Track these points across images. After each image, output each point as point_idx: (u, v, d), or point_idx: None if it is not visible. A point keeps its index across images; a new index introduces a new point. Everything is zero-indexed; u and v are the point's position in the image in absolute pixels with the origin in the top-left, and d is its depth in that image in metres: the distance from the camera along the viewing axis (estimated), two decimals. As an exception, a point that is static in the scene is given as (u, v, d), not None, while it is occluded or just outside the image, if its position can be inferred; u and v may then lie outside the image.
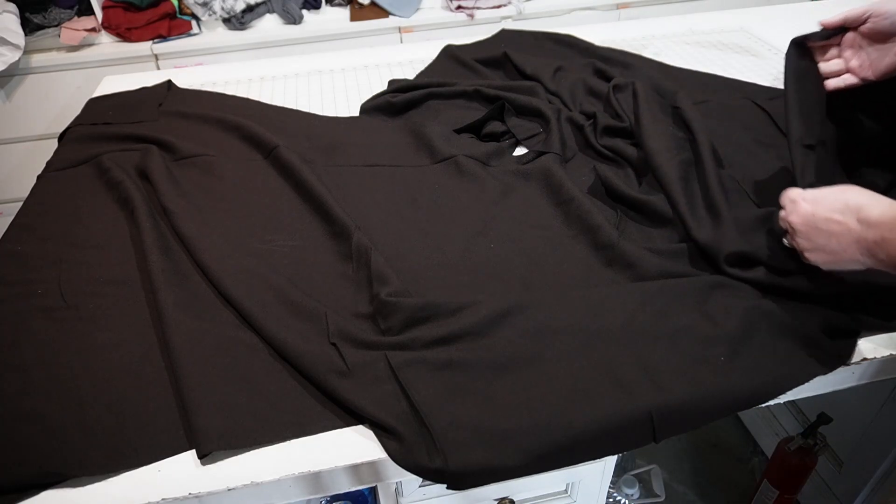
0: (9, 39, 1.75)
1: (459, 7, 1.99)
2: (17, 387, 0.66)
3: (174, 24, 1.92)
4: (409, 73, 1.33)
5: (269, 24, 1.98)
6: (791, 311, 0.68)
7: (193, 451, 0.60)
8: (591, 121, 1.04)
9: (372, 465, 0.61)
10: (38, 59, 1.86)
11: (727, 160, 0.93)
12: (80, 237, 0.88)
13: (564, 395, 0.61)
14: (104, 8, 1.88)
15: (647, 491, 1.38)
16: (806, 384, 0.64)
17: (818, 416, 1.11)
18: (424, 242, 0.84)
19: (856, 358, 0.66)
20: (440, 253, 0.82)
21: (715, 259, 0.74)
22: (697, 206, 0.82)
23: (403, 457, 0.58)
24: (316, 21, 1.99)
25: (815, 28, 0.80)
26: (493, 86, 1.17)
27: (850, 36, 0.77)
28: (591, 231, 0.82)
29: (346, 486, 0.63)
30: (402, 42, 2.01)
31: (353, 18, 1.97)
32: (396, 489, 0.74)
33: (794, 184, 0.73)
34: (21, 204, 0.96)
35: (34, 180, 1.02)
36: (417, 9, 2.01)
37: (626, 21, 1.67)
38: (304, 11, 1.99)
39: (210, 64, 1.83)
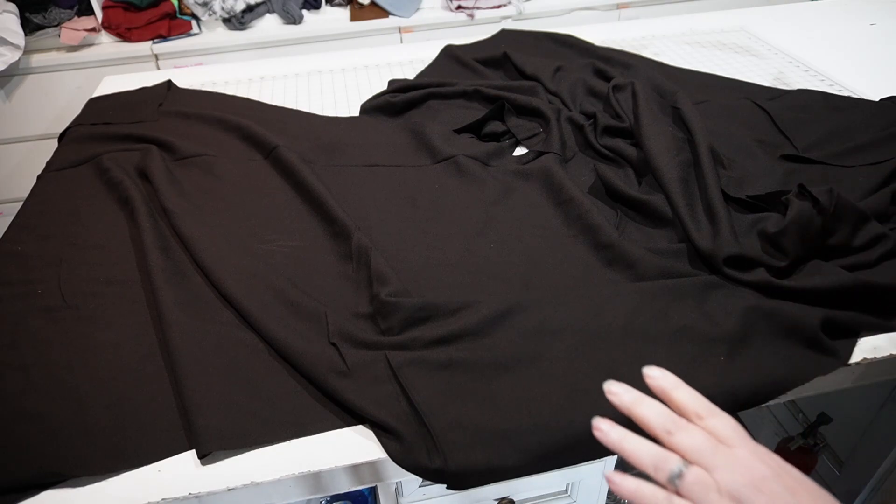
0: (9, 39, 1.75)
1: (459, 7, 1.99)
2: (16, 387, 0.66)
3: (174, 24, 1.92)
4: (410, 73, 1.33)
5: (269, 24, 1.98)
6: (791, 312, 0.67)
7: (193, 451, 0.60)
8: (591, 121, 1.04)
9: (372, 465, 0.61)
10: (38, 59, 1.86)
11: (727, 160, 0.93)
12: (80, 237, 0.88)
13: (564, 395, 0.61)
14: (104, 8, 1.88)
15: (647, 491, 1.38)
16: (806, 384, 0.64)
17: (818, 416, 1.11)
18: (424, 242, 0.84)
19: (856, 358, 0.66)
20: (440, 253, 0.82)
21: (714, 263, 0.74)
22: (696, 208, 0.82)
23: (403, 457, 0.58)
24: (316, 21, 1.99)
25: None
26: (493, 86, 1.17)
27: None
28: (591, 231, 0.82)
29: (346, 486, 0.63)
30: (402, 42, 2.01)
31: (353, 18, 1.97)
32: (396, 489, 0.74)
33: (793, 184, 0.73)
34: (21, 204, 0.96)
35: (34, 180, 1.02)
36: (417, 9, 2.01)
37: (626, 21, 1.68)
38: (304, 11, 1.99)
39: (210, 64, 1.83)
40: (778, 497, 0.36)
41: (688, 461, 0.38)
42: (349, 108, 1.22)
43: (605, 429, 0.41)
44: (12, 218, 0.93)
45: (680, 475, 0.37)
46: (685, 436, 0.39)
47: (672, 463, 0.38)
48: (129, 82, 1.34)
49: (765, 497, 0.36)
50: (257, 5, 1.95)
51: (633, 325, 0.67)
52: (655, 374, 0.43)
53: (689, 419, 0.41)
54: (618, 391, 0.42)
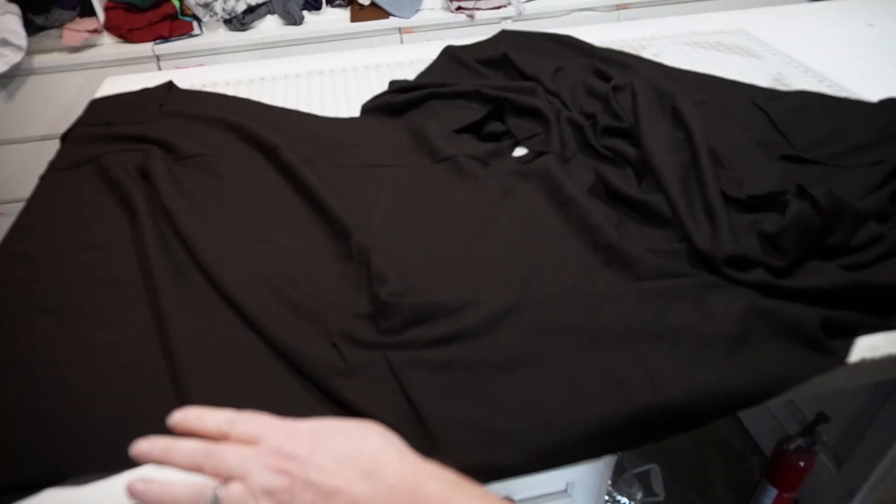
0: (11, 40, 1.75)
1: (459, 8, 1.99)
2: (17, 386, 0.66)
3: (175, 25, 1.92)
4: (410, 74, 1.33)
5: (269, 25, 1.99)
6: (790, 311, 0.68)
7: (194, 450, 0.60)
8: (591, 121, 1.04)
9: (372, 465, 0.61)
10: (40, 60, 1.86)
11: (726, 161, 0.93)
12: (81, 237, 0.88)
13: (564, 395, 0.62)
14: (106, 9, 1.88)
15: (646, 490, 1.38)
16: (805, 384, 0.64)
17: (817, 415, 1.11)
18: (424, 242, 0.84)
19: (855, 357, 0.66)
20: (440, 253, 0.82)
21: (713, 263, 0.74)
22: (696, 208, 0.82)
23: (403, 456, 0.58)
24: (316, 22, 1.99)
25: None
26: (493, 86, 1.17)
27: None
28: (591, 231, 0.82)
29: (347, 485, 0.63)
30: (402, 43, 2.01)
31: (354, 19, 1.97)
32: (396, 488, 0.74)
33: (792, 185, 0.73)
34: (23, 204, 0.96)
35: (36, 181, 1.02)
36: (418, 9, 2.01)
37: (625, 22, 1.68)
38: (305, 12, 2.00)
39: (211, 65, 1.83)
40: (304, 462, 0.39)
41: (228, 480, 0.40)
42: (349, 108, 1.22)
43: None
44: (14, 218, 0.93)
45: (216, 499, 0.39)
46: (215, 460, 0.41)
47: (207, 492, 0.39)
48: (130, 83, 1.34)
49: (287, 478, 0.38)
50: (258, 6, 1.96)
51: (633, 326, 0.68)
52: (176, 419, 0.44)
53: (218, 440, 0.42)
54: (146, 450, 0.42)
